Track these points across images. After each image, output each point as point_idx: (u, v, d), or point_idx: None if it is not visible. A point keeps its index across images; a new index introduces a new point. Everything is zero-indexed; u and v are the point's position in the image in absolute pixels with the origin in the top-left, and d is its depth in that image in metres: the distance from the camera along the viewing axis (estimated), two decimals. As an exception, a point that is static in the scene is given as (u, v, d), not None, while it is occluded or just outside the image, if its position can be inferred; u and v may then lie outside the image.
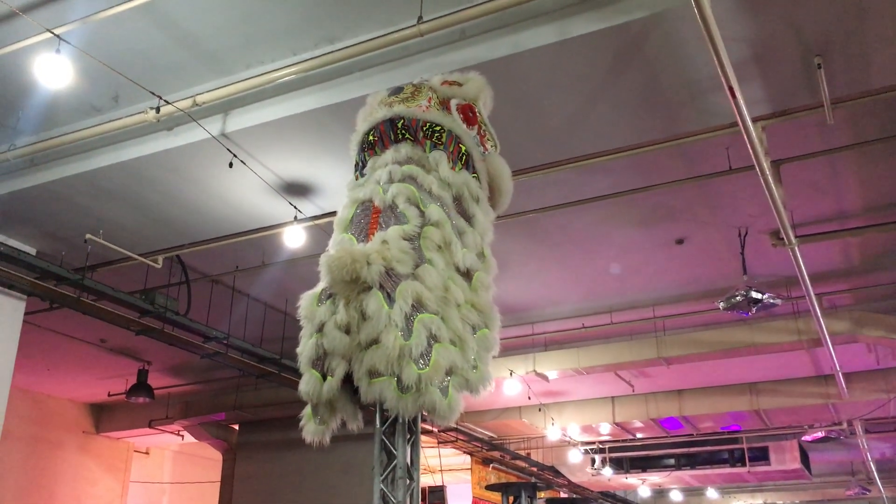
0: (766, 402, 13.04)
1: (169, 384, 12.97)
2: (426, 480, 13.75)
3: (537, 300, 10.28)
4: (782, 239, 6.96)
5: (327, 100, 5.74)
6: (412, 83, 4.38)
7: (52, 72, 5.12)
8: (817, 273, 8.72)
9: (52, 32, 5.03)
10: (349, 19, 5.38)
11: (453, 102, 4.19)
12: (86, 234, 7.44)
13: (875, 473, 17.76)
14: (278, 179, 6.81)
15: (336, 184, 6.65)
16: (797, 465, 16.24)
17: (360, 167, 4.25)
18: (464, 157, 4.07)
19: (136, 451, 16.03)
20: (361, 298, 3.45)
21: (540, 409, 13.45)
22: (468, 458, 15.08)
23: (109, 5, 5.04)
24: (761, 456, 16.43)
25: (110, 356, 11.83)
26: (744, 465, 16.49)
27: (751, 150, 5.54)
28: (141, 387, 11.74)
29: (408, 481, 3.52)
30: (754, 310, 8.08)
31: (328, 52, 5.49)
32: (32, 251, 7.94)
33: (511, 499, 10.82)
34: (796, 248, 7.04)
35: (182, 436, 14.97)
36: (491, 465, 15.54)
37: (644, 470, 17.55)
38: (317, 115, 5.86)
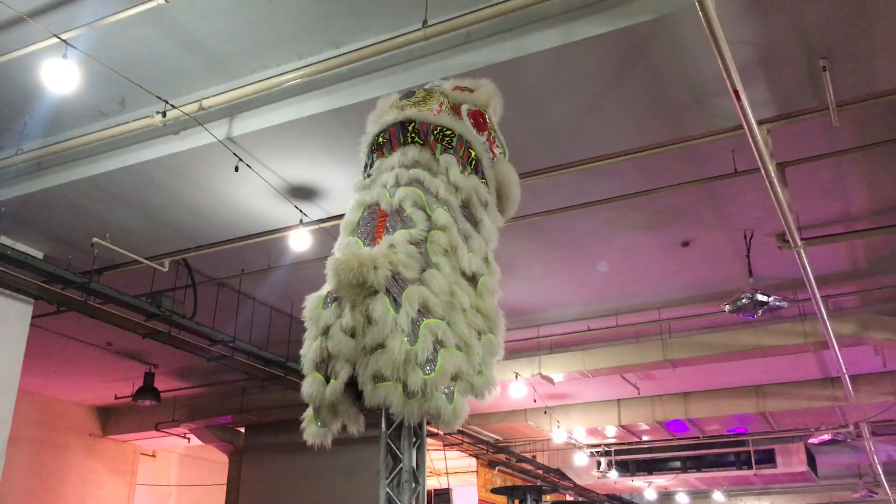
0: (773, 405, 13.01)
1: (175, 387, 12.98)
2: (432, 483, 13.75)
3: (543, 303, 10.28)
4: (788, 241, 6.94)
5: (333, 104, 5.75)
6: (423, 87, 4.38)
7: (60, 76, 5.16)
8: (823, 275, 8.69)
9: (59, 37, 5.06)
10: (354, 23, 5.40)
11: (464, 108, 4.18)
12: (92, 238, 7.45)
13: (882, 476, 17.67)
14: (284, 183, 6.82)
15: (341, 187, 6.66)
16: (804, 467, 16.16)
17: (368, 168, 4.25)
18: (473, 163, 4.06)
19: (142, 453, 16.05)
20: (367, 302, 3.43)
21: (545, 412, 13.41)
22: (474, 460, 15.06)
23: (116, 10, 5.06)
24: (767, 458, 16.37)
25: (117, 359, 11.85)
26: (750, 467, 16.43)
27: (756, 153, 5.52)
28: (147, 390, 11.75)
29: (413, 485, 3.51)
30: (760, 312, 8.07)
31: (334, 57, 5.50)
32: (40, 255, 7.97)
33: (517, 502, 10.84)
34: (802, 251, 7.02)
35: (188, 438, 14.98)
36: (497, 468, 15.52)
37: (650, 472, 17.52)
38: (322, 118, 5.88)
